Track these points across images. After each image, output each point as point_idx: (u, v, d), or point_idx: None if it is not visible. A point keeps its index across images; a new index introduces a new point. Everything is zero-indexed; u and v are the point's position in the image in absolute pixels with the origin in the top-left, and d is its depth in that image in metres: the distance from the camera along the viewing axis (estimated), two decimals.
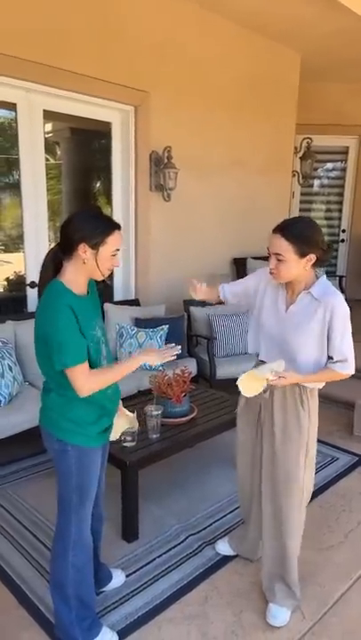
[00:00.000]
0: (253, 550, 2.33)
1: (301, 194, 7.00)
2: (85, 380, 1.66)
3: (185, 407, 2.87)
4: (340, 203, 7.18)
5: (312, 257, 1.84)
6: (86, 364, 1.66)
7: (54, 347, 1.62)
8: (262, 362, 2.06)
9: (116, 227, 1.71)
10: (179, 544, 2.49)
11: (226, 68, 4.77)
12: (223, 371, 3.98)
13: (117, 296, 4.49)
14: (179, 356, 4.12)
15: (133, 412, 2.13)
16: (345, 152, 7.01)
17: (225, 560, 2.38)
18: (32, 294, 3.90)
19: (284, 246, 1.82)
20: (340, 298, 1.88)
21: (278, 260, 1.85)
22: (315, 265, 1.89)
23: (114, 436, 2.00)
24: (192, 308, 4.39)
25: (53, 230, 3.98)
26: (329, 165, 7.12)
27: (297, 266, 1.85)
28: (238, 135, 5.07)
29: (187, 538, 2.53)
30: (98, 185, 4.82)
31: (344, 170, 7.09)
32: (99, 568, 2.11)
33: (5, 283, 4.34)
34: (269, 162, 5.50)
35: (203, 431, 2.84)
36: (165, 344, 1.88)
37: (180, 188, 4.41)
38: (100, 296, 1.93)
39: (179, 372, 2.88)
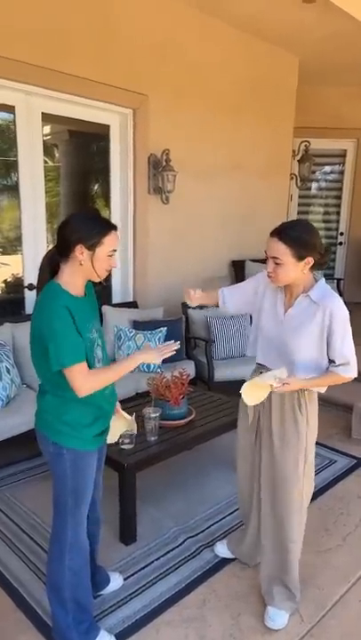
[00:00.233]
0: (250, 555, 2.32)
1: (299, 197, 7.02)
2: (84, 380, 1.66)
3: (183, 409, 2.87)
4: (338, 206, 7.19)
5: (310, 260, 1.84)
6: (84, 364, 1.66)
7: (51, 347, 1.61)
8: (261, 365, 2.06)
9: (113, 227, 1.71)
10: (177, 547, 2.48)
11: (224, 71, 4.78)
12: (221, 373, 3.98)
13: (116, 298, 4.49)
14: (177, 359, 4.13)
15: (132, 415, 2.12)
16: (343, 155, 7.03)
17: (223, 563, 2.38)
18: (30, 296, 3.89)
19: (281, 250, 1.82)
20: (339, 301, 1.88)
21: (276, 264, 1.85)
22: (313, 268, 1.89)
23: (111, 438, 1.99)
24: (190, 311, 4.39)
25: (51, 232, 3.98)
26: (327, 168, 7.14)
27: (295, 269, 1.85)
28: (237, 138, 5.08)
29: (185, 540, 2.53)
30: (96, 187, 4.82)
31: (342, 173, 7.11)
32: (96, 571, 2.10)
33: (3, 285, 4.33)
34: (268, 165, 5.52)
35: (201, 433, 2.84)
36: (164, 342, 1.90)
37: (179, 190, 4.42)
38: (98, 298, 1.93)
39: (177, 375, 2.88)
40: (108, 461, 2.27)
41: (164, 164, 4.27)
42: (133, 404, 3.13)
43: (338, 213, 7.22)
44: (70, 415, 1.74)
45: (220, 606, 2.14)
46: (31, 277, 3.88)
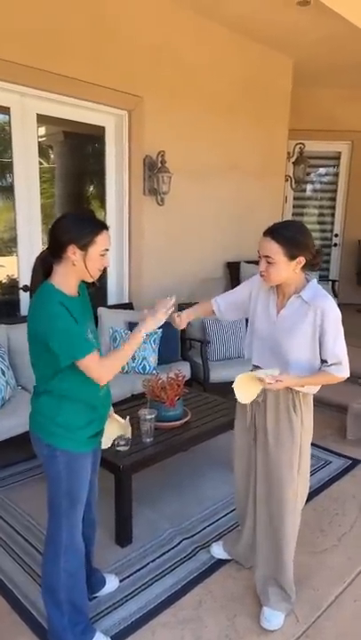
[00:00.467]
0: (246, 556, 2.33)
1: (294, 198, 7.05)
2: (101, 367, 1.68)
3: (178, 411, 2.87)
4: (333, 207, 7.23)
5: (301, 260, 1.86)
6: (97, 353, 1.67)
7: (56, 345, 1.61)
8: (257, 367, 2.07)
9: (104, 227, 1.71)
10: (173, 548, 2.48)
11: (220, 73, 4.80)
12: (217, 374, 3.98)
13: (111, 300, 4.49)
14: (172, 360, 4.12)
15: (125, 419, 2.12)
16: (337, 157, 7.07)
17: (219, 564, 2.38)
18: (25, 298, 3.89)
19: (274, 249, 1.84)
20: (331, 301, 1.89)
21: (268, 263, 1.86)
22: (304, 268, 1.91)
23: (106, 442, 1.99)
24: None
25: (46, 234, 3.97)
26: (322, 170, 7.17)
27: (287, 268, 1.86)
28: (232, 140, 5.10)
29: (181, 542, 2.53)
30: (91, 189, 4.82)
31: (336, 175, 7.14)
32: (92, 573, 2.10)
33: None
34: (262, 166, 5.54)
35: (196, 435, 2.84)
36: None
37: (174, 192, 4.43)
38: (92, 300, 1.93)
39: (172, 376, 2.88)
40: (104, 463, 2.26)
41: (160, 165, 4.28)
42: (129, 405, 3.13)
43: (332, 215, 7.25)
44: (64, 417, 1.73)
45: (216, 607, 2.14)
46: (26, 279, 3.88)
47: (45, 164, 4.19)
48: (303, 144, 6.13)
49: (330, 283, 6.43)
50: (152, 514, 2.74)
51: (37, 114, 3.73)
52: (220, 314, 2.20)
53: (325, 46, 5.05)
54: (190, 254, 4.92)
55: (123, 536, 2.49)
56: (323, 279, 6.63)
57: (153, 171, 4.31)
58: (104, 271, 1.80)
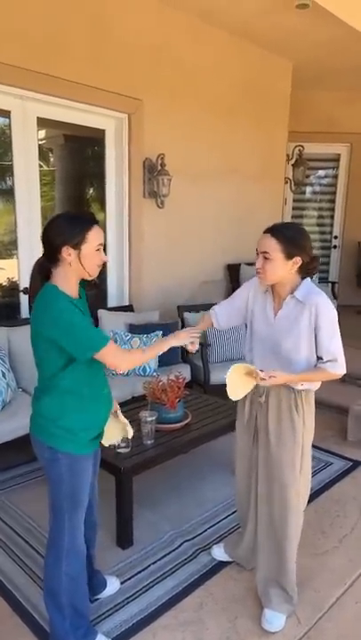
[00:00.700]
0: (247, 558, 2.33)
1: (294, 200, 7.06)
2: (121, 356, 1.74)
3: (179, 413, 2.88)
4: (332, 209, 7.24)
5: (298, 260, 1.88)
6: (113, 342, 1.70)
7: (71, 341, 1.63)
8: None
9: (94, 222, 1.71)
10: (173, 550, 2.48)
11: (219, 76, 4.82)
12: (217, 376, 3.98)
13: (111, 302, 4.49)
14: (173, 362, 4.12)
15: (127, 420, 2.11)
16: (336, 159, 7.09)
17: (220, 566, 2.38)
18: (25, 301, 3.89)
19: (272, 245, 1.87)
20: (325, 298, 1.90)
21: (265, 259, 1.88)
22: (300, 270, 1.93)
23: (106, 441, 1.98)
24: (186, 314, 4.40)
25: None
26: (321, 172, 7.19)
27: (283, 267, 1.88)
28: (231, 142, 5.11)
29: (182, 544, 2.53)
30: (91, 191, 4.83)
31: (336, 177, 7.16)
32: (93, 575, 2.10)
33: None
34: (262, 169, 5.55)
35: (197, 437, 2.84)
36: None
37: (174, 194, 4.44)
38: (91, 303, 1.93)
39: (173, 378, 2.88)
40: (105, 465, 2.27)
41: (160, 168, 4.29)
42: (129, 407, 3.13)
43: (332, 217, 7.27)
44: (67, 419, 1.73)
45: (218, 609, 2.14)
46: (26, 281, 3.84)
47: (45, 167, 4.21)
48: (302, 146, 6.15)
49: (330, 284, 6.44)
50: (153, 516, 2.74)
51: (38, 117, 3.74)
52: (219, 325, 2.21)
53: (325, 49, 5.07)
54: (190, 257, 4.93)
55: (124, 538, 2.49)
56: (322, 281, 6.64)
57: (153, 173, 4.32)
58: (104, 271, 1.81)
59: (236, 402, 2.14)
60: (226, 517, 2.74)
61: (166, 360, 3.95)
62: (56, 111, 3.84)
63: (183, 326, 4.38)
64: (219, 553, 2.42)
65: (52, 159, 4.42)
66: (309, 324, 1.89)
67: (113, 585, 2.22)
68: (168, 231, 4.65)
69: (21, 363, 3.33)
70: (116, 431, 2.04)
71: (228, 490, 2.86)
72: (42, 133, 4.04)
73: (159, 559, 2.42)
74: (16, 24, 3.33)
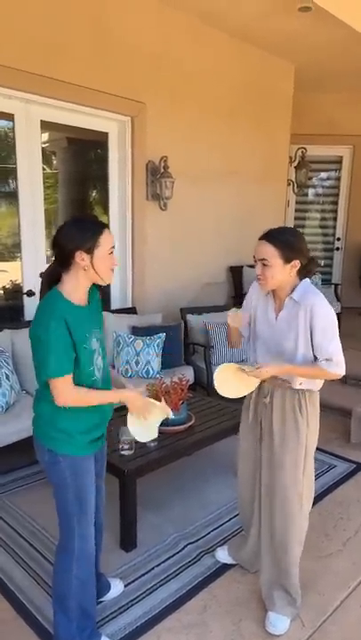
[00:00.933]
0: (251, 561, 2.32)
1: (296, 202, 7.06)
2: (67, 392, 1.67)
3: (183, 415, 2.88)
4: (335, 211, 7.24)
5: (296, 263, 1.90)
6: (68, 378, 1.67)
7: (39, 356, 1.65)
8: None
9: (105, 226, 1.72)
10: (177, 553, 2.48)
11: (221, 79, 4.82)
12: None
13: (115, 304, 4.50)
14: (176, 364, 4.12)
15: (161, 401, 2.06)
16: (339, 161, 7.08)
17: (224, 568, 2.37)
18: (29, 303, 3.90)
19: (270, 252, 1.88)
20: (321, 298, 1.91)
21: (264, 265, 1.90)
22: (299, 273, 1.94)
23: (149, 436, 1.95)
24: (189, 316, 4.40)
25: (50, 239, 3.98)
26: (323, 175, 7.19)
27: (282, 271, 1.90)
28: (234, 144, 5.12)
29: (185, 546, 2.53)
30: (94, 194, 4.85)
31: (338, 179, 7.16)
32: (97, 578, 2.09)
33: (1, 291, 4.33)
34: (265, 171, 5.56)
35: (201, 439, 2.84)
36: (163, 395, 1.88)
37: (177, 197, 4.45)
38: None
39: (176, 380, 2.88)
40: (109, 467, 2.26)
41: (162, 170, 4.30)
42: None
43: (335, 219, 7.26)
44: (63, 423, 1.74)
45: (221, 612, 2.14)
46: (30, 284, 3.90)
47: (49, 170, 4.22)
48: (305, 148, 6.15)
49: (332, 286, 6.43)
50: (156, 518, 2.74)
51: (41, 120, 3.76)
52: (246, 339, 2.22)
53: (327, 51, 5.07)
54: (193, 259, 4.94)
55: (127, 540, 2.49)
56: (325, 283, 6.63)
57: (155, 176, 4.33)
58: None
59: (241, 404, 2.14)
60: (229, 520, 2.74)
61: (169, 362, 3.96)
62: (59, 114, 3.86)
63: (186, 330, 4.38)
64: (223, 555, 2.42)
65: (55, 162, 4.44)
66: (305, 324, 1.91)
67: (117, 587, 2.22)
68: (171, 233, 4.66)
69: (25, 365, 3.34)
70: (156, 417, 1.96)
71: (231, 492, 2.86)
72: (45, 136, 4.05)
73: (163, 562, 2.42)
74: (19, 27, 3.34)
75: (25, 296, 3.89)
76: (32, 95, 3.56)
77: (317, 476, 3.15)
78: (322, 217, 7.33)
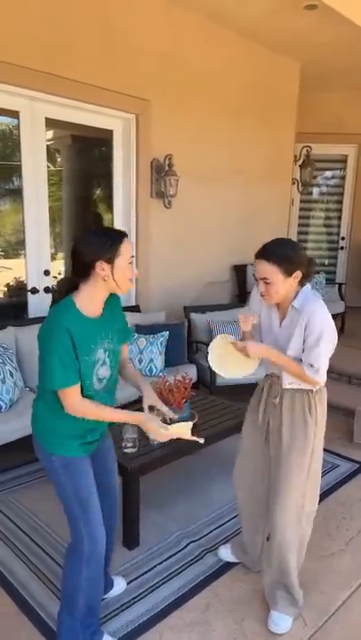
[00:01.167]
0: (254, 561, 2.32)
1: (301, 201, 7.04)
2: (77, 404, 1.67)
3: (186, 413, 2.87)
4: (340, 210, 7.22)
5: (298, 274, 1.92)
6: (76, 387, 1.67)
7: (45, 367, 1.65)
8: (270, 375, 2.11)
9: (124, 235, 1.72)
10: (180, 551, 2.48)
11: (227, 77, 4.81)
12: (223, 378, 3.97)
13: None
14: (179, 363, 4.11)
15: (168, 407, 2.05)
16: (344, 160, 7.06)
17: (226, 567, 2.38)
18: (33, 300, 3.91)
19: (270, 270, 1.89)
20: (320, 305, 1.92)
21: (266, 284, 1.91)
22: (302, 280, 1.95)
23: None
24: (192, 315, 4.40)
25: (54, 236, 3.99)
26: (328, 173, 7.17)
27: (285, 285, 1.91)
28: (239, 143, 5.11)
29: (188, 545, 2.53)
30: (98, 192, 4.85)
31: (343, 178, 7.14)
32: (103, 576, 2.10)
33: (5, 289, 4.34)
34: (269, 169, 5.54)
35: (204, 438, 2.83)
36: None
37: (181, 195, 4.44)
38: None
39: (180, 379, 2.88)
40: None
41: (167, 168, 4.29)
42: (135, 408, 3.12)
43: (339, 218, 7.24)
44: (58, 425, 1.75)
45: (224, 611, 2.14)
46: (34, 281, 3.90)
47: (53, 168, 4.22)
48: (310, 147, 6.13)
49: (336, 286, 6.42)
50: (159, 516, 2.75)
51: (46, 117, 3.76)
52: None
53: (332, 50, 5.05)
54: (197, 257, 4.93)
55: (130, 538, 2.50)
56: (329, 282, 6.61)
57: (160, 174, 4.32)
58: None
59: (245, 403, 2.14)
60: (232, 518, 2.73)
61: (172, 360, 3.96)
62: (64, 112, 3.86)
63: (189, 328, 4.38)
64: (225, 554, 2.42)
65: (59, 159, 4.44)
66: (302, 330, 1.92)
67: (119, 585, 2.22)
68: (175, 232, 4.66)
69: (28, 362, 3.34)
70: (184, 428, 1.95)
71: (234, 491, 2.85)
72: (50, 134, 4.05)
73: (165, 560, 2.42)
74: (24, 25, 3.34)
75: (29, 293, 3.90)
76: (37, 92, 3.56)
77: (321, 476, 3.15)
78: (326, 216, 7.31)
